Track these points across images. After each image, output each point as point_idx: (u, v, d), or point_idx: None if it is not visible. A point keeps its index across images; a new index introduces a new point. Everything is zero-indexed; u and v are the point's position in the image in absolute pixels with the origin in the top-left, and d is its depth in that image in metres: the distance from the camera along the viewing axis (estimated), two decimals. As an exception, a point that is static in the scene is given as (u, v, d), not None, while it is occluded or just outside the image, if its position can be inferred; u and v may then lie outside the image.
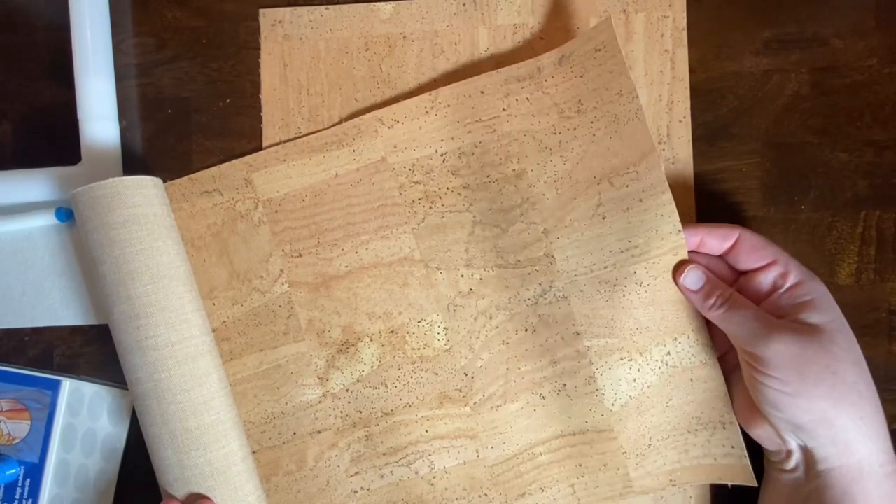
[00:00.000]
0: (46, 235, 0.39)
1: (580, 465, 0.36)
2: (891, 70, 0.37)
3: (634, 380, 0.35)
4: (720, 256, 0.34)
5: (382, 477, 0.37)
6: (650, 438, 0.35)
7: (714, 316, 0.33)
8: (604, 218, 0.35)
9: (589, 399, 0.36)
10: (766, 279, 0.33)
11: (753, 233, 0.33)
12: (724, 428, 0.35)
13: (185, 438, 0.33)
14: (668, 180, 0.33)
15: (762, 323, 0.31)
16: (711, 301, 0.33)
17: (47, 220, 0.38)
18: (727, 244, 0.33)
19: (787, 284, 0.32)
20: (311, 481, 0.37)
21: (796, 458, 0.32)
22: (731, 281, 0.34)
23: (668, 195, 0.33)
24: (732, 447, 0.34)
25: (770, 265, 0.33)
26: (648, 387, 0.35)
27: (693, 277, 0.33)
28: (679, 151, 0.37)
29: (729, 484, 0.35)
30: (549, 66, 0.36)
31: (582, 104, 0.35)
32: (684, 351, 0.35)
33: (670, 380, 0.35)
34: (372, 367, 0.37)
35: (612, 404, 0.35)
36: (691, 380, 0.35)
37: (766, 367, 0.30)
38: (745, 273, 0.34)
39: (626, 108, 0.34)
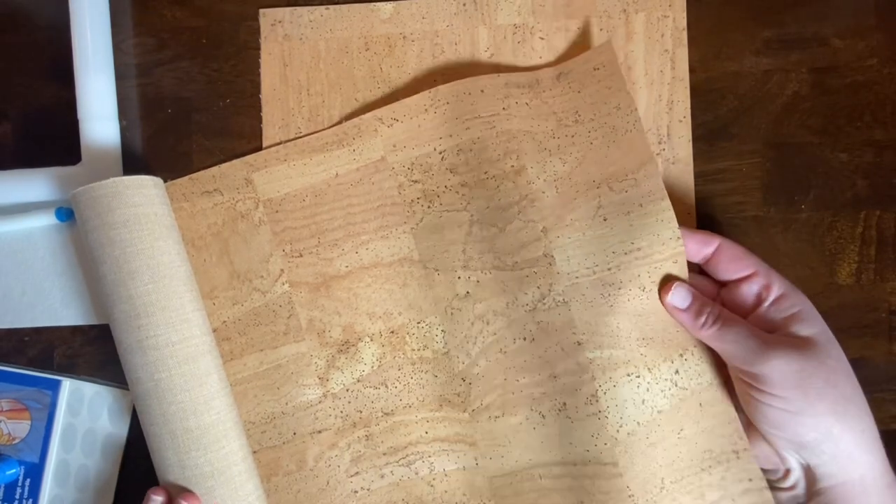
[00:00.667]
0: (46, 235, 0.39)
1: (582, 502, 0.34)
2: (891, 70, 0.37)
3: (643, 401, 0.33)
4: (701, 270, 0.34)
5: (382, 477, 0.37)
6: (662, 479, 0.33)
7: (706, 335, 0.32)
8: (605, 219, 0.34)
9: (591, 422, 0.34)
10: (749, 290, 0.32)
11: (733, 243, 0.33)
12: (738, 458, 0.33)
13: (186, 438, 0.33)
14: (668, 180, 0.34)
15: (758, 340, 0.30)
16: (702, 319, 0.32)
17: (47, 220, 0.38)
18: (706, 251, 0.33)
19: (772, 296, 0.32)
20: (311, 481, 0.37)
21: (796, 476, 0.31)
22: (712, 293, 0.34)
23: (667, 202, 0.33)
24: (750, 479, 0.33)
25: (751, 276, 0.32)
26: (658, 412, 0.33)
27: (680, 295, 0.33)
28: (679, 151, 0.37)
29: None
30: (547, 80, 0.36)
31: (579, 115, 0.35)
32: (691, 369, 0.34)
33: (681, 404, 0.33)
34: (372, 367, 0.37)
35: (618, 430, 0.33)
36: (700, 404, 0.34)
37: (766, 385, 0.30)
38: (725, 285, 0.33)
39: (623, 121, 0.34)
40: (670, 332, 0.34)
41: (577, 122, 0.35)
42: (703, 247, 0.33)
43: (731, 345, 0.31)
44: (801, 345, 0.30)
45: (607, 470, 0.33)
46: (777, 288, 0.32)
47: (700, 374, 0.34)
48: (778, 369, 0.30)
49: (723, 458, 0.33)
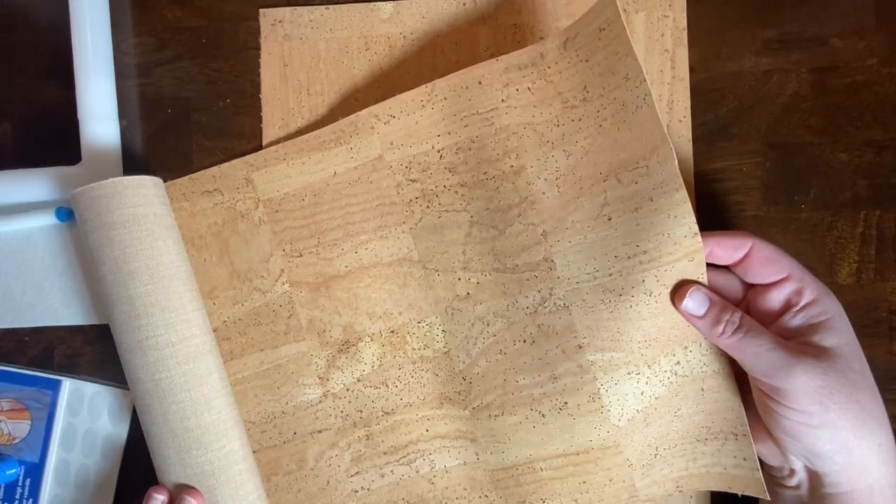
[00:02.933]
0: (46, 235, 0.39)
1: (584, 483, 0.35)
2: (891, 70, 0.37)
3: (642, 393, 0.33)
4: (728, 267, 0.32)
5: (383, 476, 0.37)
6: (657, 448, 0.34)
7: (725, 344, 0.31)
8: (609, 219, 0.32)
9: (594, 417, 0.34)
10: (779, 296, 0.31)
11: (767, 243, 0.31)
12: (735, 439, 0.33)
13: (186, 437, 0.33)
14: None
15: (780, 353, 0.29)
16: (720, 328, 0.30)
17: (47, 220, 0.38)
18: (739, 254, 0.31)
19: (802, 302, 0.30)
20: (311, 481, 0.37)
21: (799, 477, 0.31)
22: (740, 294, 0.33)
23: (683, 193, 0.30)
24: (744, 459, 0.33)
25: (784, 280, 0.31)
26: (656, 398, 0.33)
27: (696, 301, 0.31)
28: (679, 151, 0.37)
29: (739, 494, 0.33)
30: (552, 52, 0.34)
31: (588, 91, 0.33)
32: (695, 360, 0.33)
33: (679, 389, 0.33)
34: (372, 366, 0.37)
35: (619, 420, 0.33)
36: (702, 389, 0.33)
37: (787, 399, 0.29)
38: (754, 286, 0.32)
39: (633, 94, 0.31)
40: (677, 329, 0.32)
41: (584, 101, 0.33)
42: (734, 252, 0.31)
43: (751, 357, 0.30)
44: (824, 357, 0.29)
45: (609, 451, 0.34)
46: (809, 293, 0.30)
47: (705, 363, 0.33)
48: (800, 384, 0.28)
49: (720, 436, 0.33)
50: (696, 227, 0.30)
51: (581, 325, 0.34)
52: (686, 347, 0.33)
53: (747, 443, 0.32)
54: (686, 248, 0.31)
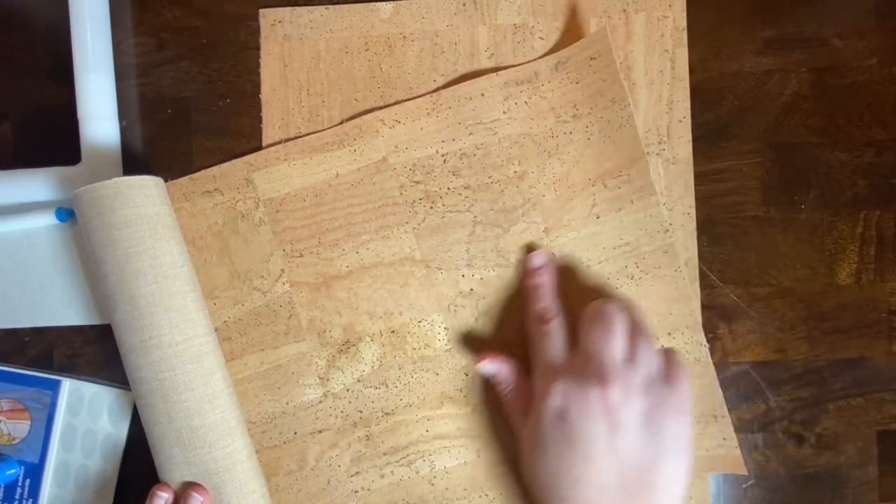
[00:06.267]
0: (47, 235, 0.39)
1: None
2: (891, 70, 0.37)
3: None
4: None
5: (383, 477, 0.37)
6: None
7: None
8: (598, 217, 0.37)
9: None
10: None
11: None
12: (716, 421, 0.36)
13: (191, 436, 0.33)
14: (668, 180, 0.36)
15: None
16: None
17: (47, 220, 0.38)
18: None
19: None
20: (311, 481, 0.37)
21: None
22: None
23: (657, 197, 0.36)
24: (724, 439, 0.36)
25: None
26: None
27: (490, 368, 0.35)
28: (679, 151, 0.37)
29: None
30: (545, 71, 0.37)
31: (577, 109, 0.37)
32: (679, 347, 0.36)
33: None
34: (373, 366, 0.37)
35: None
36: None
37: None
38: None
39: (618, 115, 0.36)
40: (660, 316, 0.36)
41: (574, 118, 0.37)
42: None
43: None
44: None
45: None
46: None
47: (688, 352, 0.36)
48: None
49: (702, 420, 0.36)
50: (667, 225, 0.36)
51: (577, 305, 0.36)
52: (670, 335, 0.36)
53: (726, 423, 0.36)
54: (659, 242, 0.36)
